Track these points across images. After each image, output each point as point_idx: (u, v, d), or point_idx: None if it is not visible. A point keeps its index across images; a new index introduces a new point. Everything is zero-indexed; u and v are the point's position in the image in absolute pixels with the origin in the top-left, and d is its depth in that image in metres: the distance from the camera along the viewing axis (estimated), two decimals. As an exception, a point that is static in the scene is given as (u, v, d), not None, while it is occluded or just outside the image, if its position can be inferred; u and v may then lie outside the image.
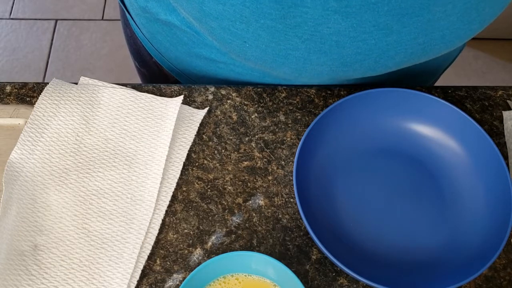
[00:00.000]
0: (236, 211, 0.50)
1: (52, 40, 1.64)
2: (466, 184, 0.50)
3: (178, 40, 0.57)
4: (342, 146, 0.52)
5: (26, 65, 1.60)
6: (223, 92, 0.56)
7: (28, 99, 0.55)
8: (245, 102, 0.55)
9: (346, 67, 0.45)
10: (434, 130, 0.52)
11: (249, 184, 0.51)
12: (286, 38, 0.42)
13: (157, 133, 0.52)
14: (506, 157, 0.53)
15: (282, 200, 0.50)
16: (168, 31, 0.57)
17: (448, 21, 0.40)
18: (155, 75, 0.69)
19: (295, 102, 0.55)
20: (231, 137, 0.53)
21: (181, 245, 0.48)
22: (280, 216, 0.50)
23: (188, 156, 0.52)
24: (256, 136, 0.53)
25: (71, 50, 1.63)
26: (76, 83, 0.56)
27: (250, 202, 0.50)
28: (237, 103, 0.55)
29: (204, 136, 0.54)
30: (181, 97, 0.54)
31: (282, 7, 0.39)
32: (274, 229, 0.49)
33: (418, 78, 0.61)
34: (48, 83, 0.54)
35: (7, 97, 0.55)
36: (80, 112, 0.53)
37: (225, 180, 0.51)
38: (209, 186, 0.51)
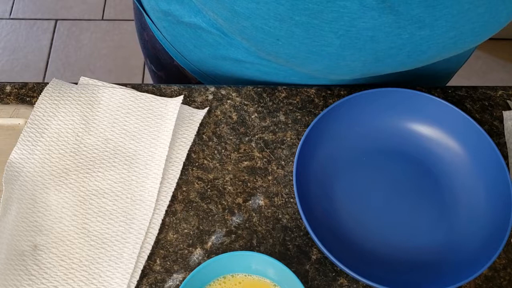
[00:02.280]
0: (236, 211, 0.50)
1: (52, 40, 1.64)
2: (466, 184, 0.50)
3: (203, 42, 0.56)
4: (342, 146, 0.52)
5: (26, 65, 1.60)
6: (223, 92, 0.56)
7: (28, 99, 0.55)
8: (245, 102, 0.55)
9: (379, 62, 0.45)
10: (434, 130, 0.52)
11: (249, 184, 0.51)
12: (321, 34, 0.42)
13: (157, 133, 0.52)
14: (506, 157, 0.53)
15: (282, 200, 0.50)
16: (192, 33, 0.56)
17: (477, 13, 0.41)
18: (174, 78, 0.69)
19: (295, 102, 0.55)
20: (231, 137, 0.53)
21: (181, 245, 0.48)
22: (280, 216, 0.50)
23: (188, 156, 0.52)
24: (256, 136, 0.53)
25: (71, 50, 1.63)
26: (76, 83, 0.56)
27: (250, 202, 0.50)
28: (237, 103, 0.55)
29: (204, 136, 0.54)
30: (181, 97, 0.54)
31: (319, 2, 0.39)
32: (274, 229, 0.49)
33: (428, 82, 0.61)
34: (48, 83, 0.54)
35: (7, 97, 0.55)
36: (80, 112, 0.53)
37: (225, 180, 0.51)
38: (209, 186, 0.51)
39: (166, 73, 0.70)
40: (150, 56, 0.72)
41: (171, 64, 0.66)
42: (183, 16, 0.55)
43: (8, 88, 0.56)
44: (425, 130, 0.53)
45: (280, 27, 0.42)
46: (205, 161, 0.52)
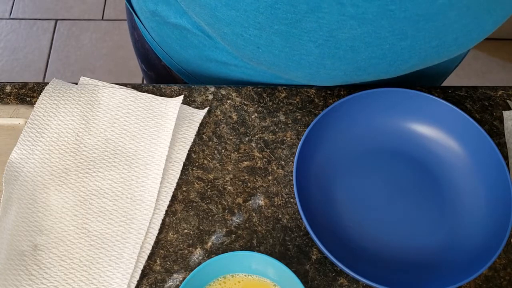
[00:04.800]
0: (236, 211, 0.50)
1: (52, 40, 1.64)
2: (466, 184, 0.50)
3: (189, 43, 0.57)
4: (342, 146, 0.52)
5: (26, 65, 1.60)
6: (223, 92, 0.56)
7: (28, 99, 0.55)
8: (245, 102, 0.55)
9: (360, 71, 0.45)
10: (434, 130, 0.52)
11: (249, 184, 0.51)
12: (300, 43, 0.42)
13: (157, 133, 0.52)
14: (506, 157, 0.53)
15: (282, 200, 0.50)
16: (178, 34, 0.57)
17: (462, 24, 0.40)
18: (163, 78, 0.69)
19: (295, 102, 0.55)
20: (231, 137, 0.53)
21: (181, 245, 0.48)
22: (280, 216, 0.50)
23: (188, 156, 0.52)
24: (256, 136, 0.53)
25: (71, 50, 1.63)
26: (76, 83, 0.56)
27: (250, 202, 0.50)
28: (237, 103, 0.55)
29: (204, 136, 0.54)
30: (181, 97, 0.54)
31: (298, 12, 0.39)
32: (274, 229, 0.49)
33: (425, 81, 0.61)
34: (48, 83, 0.54)
35: (7, 97, 0.55)
36: (80, 112, 0.53)
37: (225, 180, 0.51)
38: (209, 186, 0.51)
39: (155, 73, 0.71)
40: (141, 56, 0.72)
41: (159, 64, 0.67)
42: (170, 16, 0.55)
43: (8, 88, 0.56)
44: (425, 130, 0.53)
45: (260, 35, 0.42)
46: (205, 161, 0.52)
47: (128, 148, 0.52)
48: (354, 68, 0.45)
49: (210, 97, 0.56)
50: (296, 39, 0.41)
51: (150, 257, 0.47)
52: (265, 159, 0.52)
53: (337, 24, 0.39)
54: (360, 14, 0.38)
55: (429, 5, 0.38)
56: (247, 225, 0.49)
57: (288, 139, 0.53)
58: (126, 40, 1.66)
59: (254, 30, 0.41)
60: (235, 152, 0.53)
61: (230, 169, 0.52)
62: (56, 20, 1.68)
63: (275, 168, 0.52)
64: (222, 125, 0.54)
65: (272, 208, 0.50)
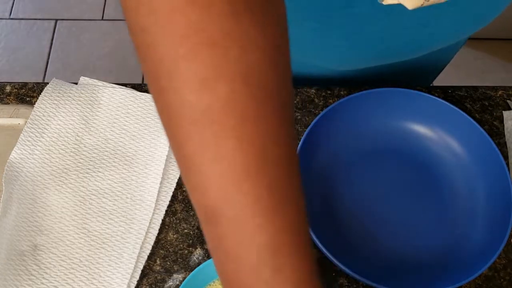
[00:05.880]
0: (236, 211, 0.50)
1: (52, 40, 1.64)
2: (466, 184, 0.50)
3: None
4: (342, 146, 0.52)
5: (26, 65, 1.60)
6: (223, 92, 0.56)
7: (28, 99, 0.55)
8: (245, 102, 0.55)
9: (384, 57, 0.49)
10: (434, 130, 0.52)
11: (249, 184, 0.51)
12: (330, 38, 0.44)
13: (157, 133, 0.52)
14: (506, 157, 0.53)
15: (282, 200, 0.50)
16: None
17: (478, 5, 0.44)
18: None
19: (295, 102, 0.55)
20: (231, 137, 0.53)
21: (181, 245, 0.48)
22: (280, 216, 0.49)
23: (188, 156, 0.52)
24: (256, 136, 0.53)
25: (71, 50, 1.63)
26: (76, 83, 0.56)
27: (250, 202, 0.50)
28: (237, 103, 0.55)
29: (204, 136, 0.53)
30: (181, 97, 0.54)
31: (331, 9, 0.41)
32: (274, 229, 0.49)
33: (418, 76, 0.62)
34: (48, 83, 0.54)
35: (7, 97, 0.55)
36: (80, 112, 0.53)
37: (225, 180, 0.51)
38: (209, 186, 0.51)
39: None
40: None
41: None
42: None
43: (8, 88, 0.56)
44: (425, 130, 0.53)
45: (291, 32, 0.45)
46: (205, 161, 0.52)
47: (128, 148, 0.52)
48: (379, 56, 0.47)
49: (210, 97, 0.56)
50: (326, 34, 0.43)
51: (150, 257, 0.47)
52: (265, 159, 0.52)
53: (367, 17, 0.40)
54: (389, 6, 0.39)
55: None
56: (247, 225, 0.49)
57: (288, 139, 0.53)
58: (126, 40, 1.66)
59: None
60: (235, 152, 0.52)
61: (230, 169, 0.52)
62: (56, 20, 1.68)
63: (275, 168, 0.52)
64: (222, 125, 0.54)
65: (272, 208, 0.50)
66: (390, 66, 0.54)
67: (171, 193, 0.50)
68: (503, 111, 0.55)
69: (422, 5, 0.37)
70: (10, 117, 0.53)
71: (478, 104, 0.56)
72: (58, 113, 0.52)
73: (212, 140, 0.25)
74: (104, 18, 1.71)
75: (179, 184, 0.51)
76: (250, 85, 0.25)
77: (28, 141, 0.51)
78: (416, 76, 0.61)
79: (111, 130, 0.52)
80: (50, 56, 1.62)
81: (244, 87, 0.25)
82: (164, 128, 0.27)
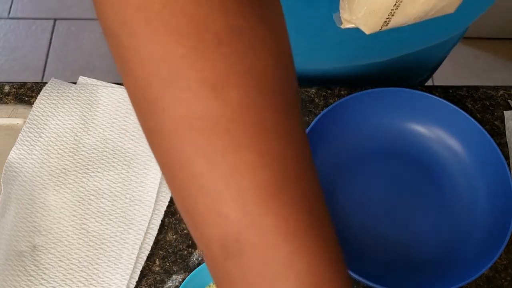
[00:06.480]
0: (235, 211, 0.49)
1: (51, 39, 1.64)
2: (467, 184, 0.50)
3: None
4: (342, 146, 0.52)
5: (25, 65, 1.59)
6: (223, 91, 0.56)
7: (26, 99, 0.55)
8: (245, 102, 0.55)
9: (347, 61, 0.49)
10: (435, 130, 0.52)
11: (248, 184, 0.51)
12: (291, 39, 0.44)
13: (156, 133, 0.52)
14: (507, 157, 0.53)
15: (282, 200, 0.50)
16: None
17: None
18: None
19: (295, 101, 0.55)
20: (230, 137, 0.53)
21: (181, 246, 0.48)
22: (280, 216, 0.49)
23: (188, 156, 0.52)
24: (256, 136, 0.53)
25: (70, 49, 1.63)
26: (75, 83, 0.55)
27: (250, 202, 0.50)
28: (236, 103, 0.55)
29: (203, 136, 0.53)
30: (181, 96, 0.53)
31: (290, 11, 0.40)
32: (274, 230, 0.49)
33: (413, 73, 0.62)
34: (46, 83, 0.54)
35: (6, 96, 0.55)
36: (79, 111, 0.53)
37: (224, 180, 0.51)
38: (208, 186, 0.51)
39: None
40: None
41: None
42: None
43: (6, 88, 0.55)
44: (425, 130, 0.52)
45: None
46: (205, 161, 0.52)
47: (127, 148, 0.51)
48: (340, 59, 0.46)
49: (210, 96, 0.55)
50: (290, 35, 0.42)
51: (149, 257, 0.47)
52: (265, 159, 0.52)
53: (328, 19, 0.39)
54: None
55: None
56: (246, 225, 0.49)
57: (288, 139, 0.53)
58: (126, 39, 1.65)
59: None
60: (235, 152, 0.52)
61: (229, 169, 0.51)
62: (55, 19, 1.68)
63: (275, 168, 0.52)
64: (222, 125, 0.54)
65: (272, 208, 0.50)
66: (376, 65, 0.53)
67: (170, 194, 0.50)
68: (504, 111, 0.55)
69: (380, 29, 0.35)
70: (8, 117, 0.53)
71: (479, 103, 0.56)
72: (57, 112, 0.52)
73: (226, 154, 0.22)
74: (103, 18, 1.71)
75: (179, 184, 0.51)
76: (264, 90, 0.22)
77: (27, 141, 0.51)
78: (408, 74, 0.61)
79: (110, 130, 0.52)
80: (49, 56, 1.62)
81: (258, 92, 0.22)
82: (158, 152, 0.23)
